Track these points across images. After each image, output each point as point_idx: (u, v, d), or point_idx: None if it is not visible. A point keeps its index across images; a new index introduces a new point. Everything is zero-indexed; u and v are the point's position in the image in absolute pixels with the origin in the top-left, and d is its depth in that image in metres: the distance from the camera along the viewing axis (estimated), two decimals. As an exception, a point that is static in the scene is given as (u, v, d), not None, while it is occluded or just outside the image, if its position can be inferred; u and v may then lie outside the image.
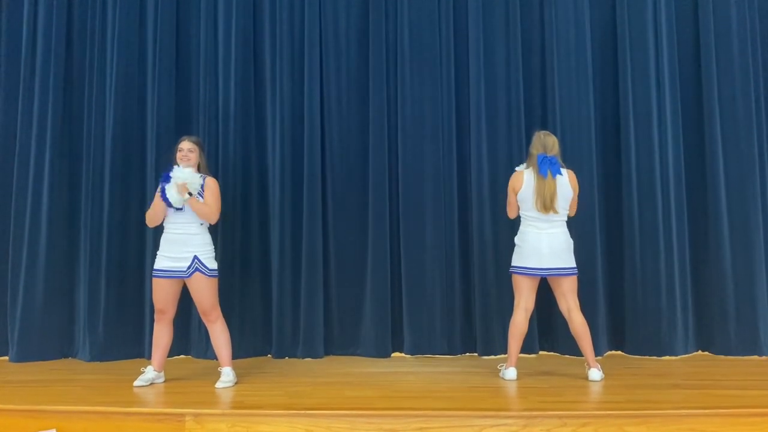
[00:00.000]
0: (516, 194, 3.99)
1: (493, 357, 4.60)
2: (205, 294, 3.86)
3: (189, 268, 3.82)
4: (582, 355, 4.01)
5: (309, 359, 4.64)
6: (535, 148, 4.00)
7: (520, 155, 4.59)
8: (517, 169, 4.08)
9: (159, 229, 4.04)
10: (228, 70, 4.82)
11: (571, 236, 4.02)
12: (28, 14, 4.88)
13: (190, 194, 3.82)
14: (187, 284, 3.89)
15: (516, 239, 4.05)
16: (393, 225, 4.79)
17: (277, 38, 4.88)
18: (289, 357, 4.68)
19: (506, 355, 4.05)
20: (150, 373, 3.92)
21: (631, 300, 4.63)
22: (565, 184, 3.95)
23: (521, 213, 4.02)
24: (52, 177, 4.75)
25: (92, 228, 4.68)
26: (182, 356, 4.70)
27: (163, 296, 3.88)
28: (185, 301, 4.14)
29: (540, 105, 4.86)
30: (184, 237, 3.84)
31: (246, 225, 4.76)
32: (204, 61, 4.85)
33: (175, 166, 3.90)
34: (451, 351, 4.71)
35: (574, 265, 3.98)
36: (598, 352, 4.31)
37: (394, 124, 4.84)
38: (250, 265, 4.74)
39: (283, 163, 4.77)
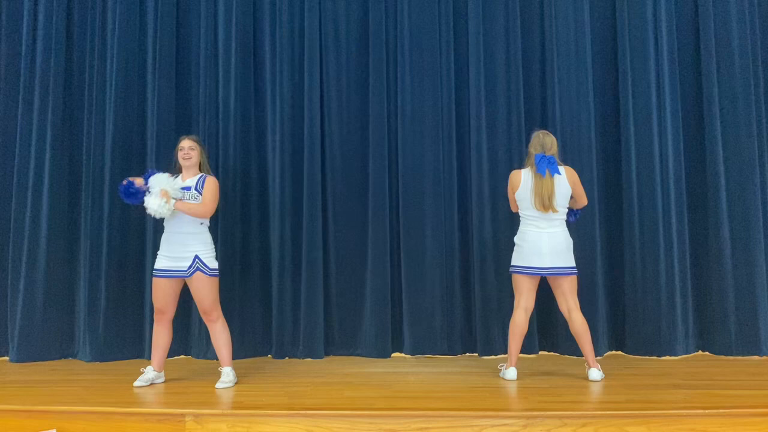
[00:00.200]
0: (514, 193, 3.99)
1: (493, 357, 4.61)
2: (206, 293, 3.86)
3: (190, 267, 3.82)
4: (582, 355, 4.01)
5: (309, 359, 4.64)
6: (534, 148, 4.00)
7: (520, 155, 4.60)
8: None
9: (159, 230, 4.04)
10: (228, 70, 4.83)
11: (571, 236, 4.03)
12: (28, 14, 4.88)
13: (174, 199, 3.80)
14: (188, 284, 3.89)
15: (516, 239, 4.05)
16: (393, 225, 4.79)
17: (277, 38, 4.88)
18: (290, 357, 4.69)
19: (506, 355, 4.06)
20: (150, 373, 3.92)
21: (631, 300, 4.63)
22: (564, 183, 3.95)
23: (521, 212, 4.02)
24: (53, 177, 4.75)
25: (92, 228, 4.68)
26: (182, 356, 4.71)
27: (162, 296, 3.88)
28: (185, 301, 4.15)
29: (540, 105, 4.86)
30: (185, 237, 3.84)
31: (246, 225, 4.76)
32: (204, 61, 4.85)
33: (152, 177, 3.84)
34: (451, 351, 4.71)
35: (574, 265, 3.98)
36: (598, 352, 4.31)
37: (394, 124, 4.84)
38: (250, 265, 4.75)
39: (283, 163, 4.77)
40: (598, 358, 4.22)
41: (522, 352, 4.14)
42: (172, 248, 3.85)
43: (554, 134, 4.22)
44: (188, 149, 3.96)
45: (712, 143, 4.68)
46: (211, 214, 3.94)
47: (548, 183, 3.89)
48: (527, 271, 3.95)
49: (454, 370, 4.29)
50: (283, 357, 4.68)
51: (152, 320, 4.12)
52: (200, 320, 4.19)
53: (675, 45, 4.76)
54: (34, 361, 4.61)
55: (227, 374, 3.87)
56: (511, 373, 3.94)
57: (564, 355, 4.62)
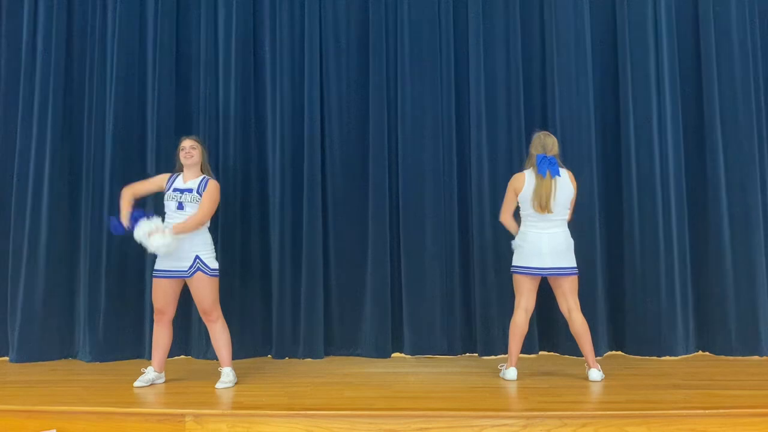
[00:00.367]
0: (517, 195, 3.99)
1: (493, 357, 4.61)
2: (206, 294, 3.86)
3: (190, 267, 3.82)
4: (582, 356, 4.01)
5: (309, 359, 4.64)
6: (535, 149, 4.00)
7: (520, 155, 4.59)
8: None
9: (159, 230, 4.03)
10: (228, 70, 4.82)
11: (571, 236, 4.03)
12: (28, 14, 4.87)
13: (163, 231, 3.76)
14: (188, 284, 3.89)
15: (517, 239, 4.05)
16: (393, 225, 4.79)
17: (277, 38, 4.88)
18: (290, 357, 4.68)
19: (506, 356, 4.05)
20: (150, 373, 3.92)
21: (631, 300, 4.63)
22: (567, 184, 3.95)
23: (522, 213, 4.02)
24: (53, 177, 4.74)
25: (92, 229, 4.67)
26: (182, 357, 4.70)
27: (163, 296, 3.88)
28: (185, 301, 4.15)
29: (540, 105, 4.86)
30: (186, 237, 3.83)
31: (246, 225, 4.76)
32: (204, 61, 4.84)
33: (136, 229, 3.75)
34: (451, 351, 4.71)
35: (575, 265, 3.98)
36: (598, 352, 4.31)
37: (394, 124, 4.84)
38: (250, 266, 4.74)
39: (283, 163, 4.77)
40: (598, 358, 4.22)
41: (522, 352, 4.14)
42: (173, 248, 3.85)
43: (554, 134, 4.21)
44: (190, 148, 3.97)
45: (712, 143, 4.68)
46: (210, 217, 3.95)
47: (547, 184, 3.89)
48: (528, 271, 3.95)
49: (454, 370, 4.29)
50: (283, 357, 4.68)
51: (152, 320, 4.12)
52: (200, 320, 4.19)
53: (675, 45, 4.76)
54: (34, 361, 4.61)
55: (227, 374, 3.87)
56: (511, 373, 3.94)
57: (564, 355, 4.62)
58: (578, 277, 4.00)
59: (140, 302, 4.71)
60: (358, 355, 4.71)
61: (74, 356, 4.75)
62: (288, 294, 4.71)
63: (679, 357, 4.56)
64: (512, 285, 4.09)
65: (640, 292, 4.60)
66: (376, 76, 4.81)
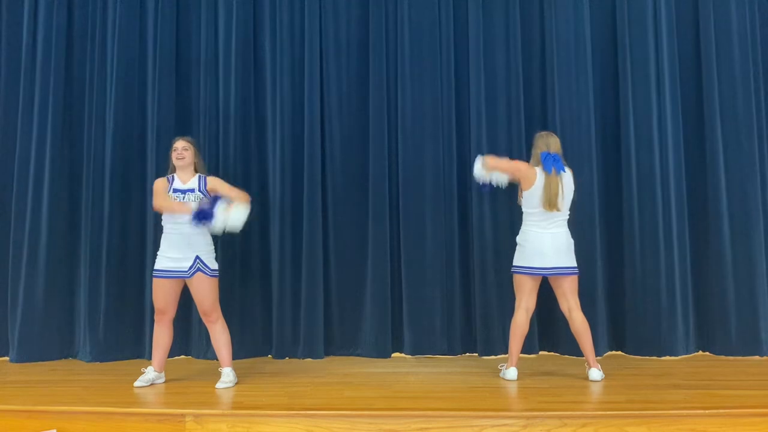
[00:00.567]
0: (526, 189, 3.93)
1: (493, 357, 4.60)
2: (207, 294, 3.86)
3: (191, 268, 3.83)
4: (582, 355, 4.01)
5: (309, 359, 4.64)
6: (538, 148, 4.01)
7: (520, 155, 4.57)
8: None
9: (159, 229, 4.03)
10: (228, 70, 4.82)
11: (572, 237, 4.03)
12: (29, 14, 4.87)
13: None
14: (188, 284, 3.89)
15: (518, 239, 4.05)
16: (393, 225, 4.79)
17: (277, 38, 4.88)
18: (290, 357, 4.68)
19: (506, 355, 4.05)
20: (150, 373, 3.92)
21: (631, 300, 4.63)
22: (569, 183, 3.96)
23: (525, 212, 4.01)
24: (53, 177, 4.75)
25: (93, 228, 4.68)
26: (182, 357, 4.70)
27: (163, 296, 3.88)
28: (185, 301, 4.15)
29: (540, 105, 4.86)
30: (186, 237, 3.84)
31: (246, 225, 4.73)
32: (204, 61, 4.84)
33: (216, 211, 3.72)
34: (452, 351, 4.70)
35: (575, 265, 3.98)
36: (598, 352, 4.31)
37: (394, 124, 4.84)
38: (250, 266, 4.74)
39: (283, 163, 4.77)
40: (599, 358, 4.22)
41: (522, 352, 4.14)
42: (173, 248, 3.85)
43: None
44: (181, 149, 3.97)
45: (712, 143, 4.68)
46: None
47: (555, 181, 3.89)
48: (529, 271, 3.94)
49: (454, 370, 4.29)
50: (283, 357, 4.68)
51: (152, 320, 4.12)
52: (200, 321, 4.19)
53: (675, 45, 4.76)
54: (35, 361, 4.61)
55: (227, 374, 3.87)
56: (511, 373, 3.94)
57: (564, 355, 4.62)
58: (578, 276, 4.00)
59: (140, 302, 4.71)
60: (358, 355, 4.71)
61: (74, 356, 4.75)
62: (288, 294, 4.70)
63: (680, 357, 4.56)
64: (512, 285, 4.09)
65: (640, 292, 4.60)
66: (376, 75, 4.81)
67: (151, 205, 4.38)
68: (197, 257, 3.83)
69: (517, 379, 3.92)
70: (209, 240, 3.95)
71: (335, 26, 4.91)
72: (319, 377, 4.09)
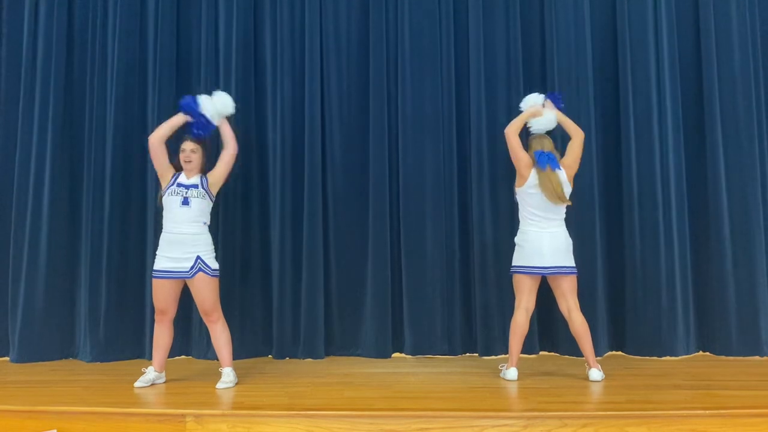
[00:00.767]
0: (520, 185, 3.98)
1: (493, 357, 4.61)
2: (207, 294, 3.86)
3: (192, 268, 3.82)
4: (582, 356, 4.01)
5: (309, 360, 4.64)
6: (533, 148, 4.04)
7: (521, 155, 4.59)
8: None
9: (159, 229, 4.02)
10: (228, 70, 4.82)
11: (571, 236, 4.04)
12: (29, 14, 4.87)
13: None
14: (189, 285, 3.89)
15: (517, 239, 4.05)
16: (393, 225, 4.79)
17: (277, 38, 4.88)
18: (290, 357, 4.68)
19: (507, 356, 4.05)
20: (151, 373, 3.92)
21: (631, 300, 4.63)
22: (565, 181, 3.97)
23: (523, 212, 4.03)
24: (53, 177, 4.74)
25: (93, 229, 4.67)
26: (183, 357, 4.70)
27: (164, 297, 3.88)
28: (186, 301, 4.15)
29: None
30: (186, 237, 3.84)
31: (246, 225, 4.76)
32: (204, 61, 4.84)
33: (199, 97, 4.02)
34: (452, 351, 4.70)
35: (574, 265, 3.99)
36: (598, 352, 4.31)
37: (394, 124, 4.83)
38: (250, 266, 4.74)
39: (284, 163, 4.77)
40: (599, 358, 4.22)
41: (522, 352, 4.14)
42: (173, 249, 3.85)
43: (554, 134, 4.22)
44: (189, 152, 3.97)
45: (712, 143, 4.68)
46: (234, 154, 4.09)
47: (553, 175, 3.91)
48: (529, 271, 3.95)
49: (454, 370, 4.29)
50: (283, 357, 4.68)
51: (153, 320, 4.12)
52: (200, 321, 4.19)
53: (675, 45, 4.76)
54: (35, 361, 4.61)
55: (228, 375, 3.87)
56: (511, 373, 3.94)
57: (564, 355, 4.62)
58: (577, 277, 4.00)
59: (141, 302, 4.71)
60: (358, 356, 4.71)
61: (75, 356, 4.75)
62: (288, 294, 4.70)
63: (680, 357, 4.56)
64: (512, 285, 4.09)
65: (640, 292, 4.60)
66: (376, 74, 4.81)
67: (152, 205, 4.41)
68: (198, 257, 3.83)
69: (518, 380, 3.92)
70: (210, 240, 3.95)
71: (335, 26, 4.90)
72: (319, 377, 4.09)
